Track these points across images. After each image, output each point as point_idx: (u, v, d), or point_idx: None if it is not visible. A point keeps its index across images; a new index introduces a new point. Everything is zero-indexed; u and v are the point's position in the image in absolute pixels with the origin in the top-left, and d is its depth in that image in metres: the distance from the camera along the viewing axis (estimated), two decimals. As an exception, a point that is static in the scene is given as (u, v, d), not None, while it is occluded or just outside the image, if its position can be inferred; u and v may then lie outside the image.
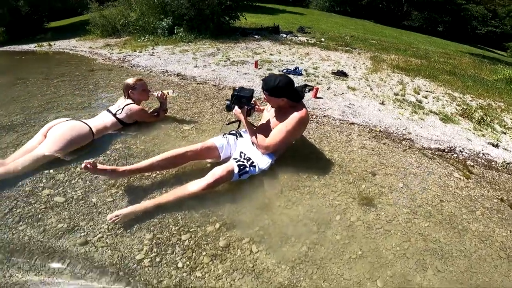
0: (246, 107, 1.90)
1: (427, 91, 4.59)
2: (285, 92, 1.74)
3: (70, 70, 4.88)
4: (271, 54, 6.12)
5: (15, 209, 1.54)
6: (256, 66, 4.78)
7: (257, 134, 1.81)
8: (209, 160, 1.94)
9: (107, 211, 1.57)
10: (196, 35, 8.02)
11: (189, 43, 7.48)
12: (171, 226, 1.53)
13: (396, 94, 4.17)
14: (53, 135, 1.82)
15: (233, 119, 2.12)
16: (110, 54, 6.87)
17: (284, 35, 8.69)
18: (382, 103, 3.66)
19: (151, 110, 2.53)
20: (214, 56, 5.62)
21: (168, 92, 2.42)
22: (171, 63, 5.06)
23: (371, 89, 4.33)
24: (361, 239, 1.53)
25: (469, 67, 8.09)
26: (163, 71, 4.50)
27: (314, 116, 2.94)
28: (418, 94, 4.35)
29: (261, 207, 1.66)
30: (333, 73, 5.07)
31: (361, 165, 2.14)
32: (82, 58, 6.98)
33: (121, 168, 1.66)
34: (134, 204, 1.56)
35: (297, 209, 1.66)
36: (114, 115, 2.21)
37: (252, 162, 1.74)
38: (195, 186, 1.58)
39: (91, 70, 4.74)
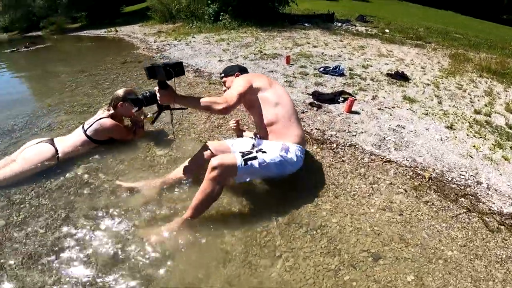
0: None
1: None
2: (238, 69, 1.85)
3: (106, 61, 4.99)
4: (314, 46, 5.22)
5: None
6: (287, 62, 4.04)
7: (204, 98, 1.44)
8: None
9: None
10: (241, 22, 7.53)
11: (231, 31, 7.06)
12: None
13: (477, 112, 2.95)
14: (20, 158, 1.81)
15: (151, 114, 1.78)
16: (154, 42, 6.97)
17: (339, 24, 7.49)
18: (450, 127, 2.57)
19: (129, 124, 2.19)
20: (248, 48, 5.05)
21: (148, 114, 2.15)
22: (199, 55, 4.71)
23: (439, 103, 3.17)
24: None
25: None
26: (185, 65, 4.16)
27: (335, 145, 2.14)
28: (515, 114, 3.01)
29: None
30: (388, 74, 3.96)
31: (365, 241, 1.37)
32: (130, 46, 7.26)
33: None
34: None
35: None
36: (85, 131, 1.95)
37: (261, 149, 1.47)
38: (199, 194, 1.37)
39: (123, 63, 4.74)
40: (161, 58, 4.89)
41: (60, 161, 1.86)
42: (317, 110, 2.67)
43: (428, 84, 3.79)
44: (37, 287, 1.15)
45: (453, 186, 1.80)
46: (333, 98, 2.88)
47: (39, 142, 1.89)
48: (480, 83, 4.04)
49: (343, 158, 1.97)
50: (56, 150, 1.85)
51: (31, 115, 2.75)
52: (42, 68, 5.29)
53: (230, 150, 1.65)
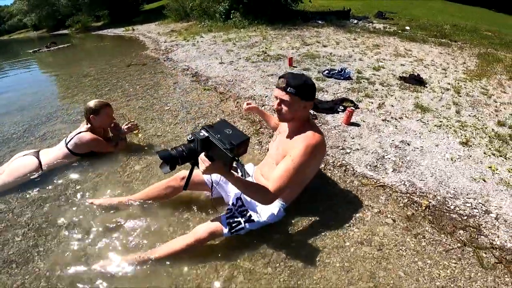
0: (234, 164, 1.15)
1: None
2: (314, 95, 1.28)
3: (113, 64, 5.05)
4: (323, 46, 4.92)
5: None
6: (290, 64, 3.81)
7: (253, 188, 1.22)
8: (205, 192, 1.63)
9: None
10: (251, 20, 7.34)
11: (241, 30, 6.91)
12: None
13: (501, 124, 2.58)
14: (7, 169, 1.88)
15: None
16: (164, 42, 6.99)
17: (355, 21, 7.04)
18: (466, 143, 2.25)
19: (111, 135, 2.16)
20: (252, 48, 4.86)
21: (138, 131, 2.20)
22: (202, 57, 4.61)
23: (458, 112, 2.81)
24: None
25: None
26: (185, 68, 4.09)
27: (323, 165, 1.90)
28: (549, 126, 2.60)
29: None
30: (401, 78, 3.61)
31: (330, 278, 1.23)
32: (141, 46, 7.35)
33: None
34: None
35: None
36: (67, 145, 1.96)
37: (250, 216, 1.35)
38: (173, 245, 1.30)
39: (128, 65, 4.76)
40: (164, 60, 4.85)
41: (44, 173, 1.90)
42: (311, 121, 2.45)
43: (448, 89, 3.41)
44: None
45: (454, 216, 1.55)
46: (332, 107, 2.65)
47: (25, 155, 1.95)
48: (510, 87, 3.58)
49: (329, 181, 1.76)
50: (40, 163, 1.90)
51: (30, 123, 2.81)
52: (54, 71, 5.49)
53: (207, 186, 1.53)
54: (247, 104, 1.70)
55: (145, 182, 1.84)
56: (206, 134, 1.01)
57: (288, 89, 1.19)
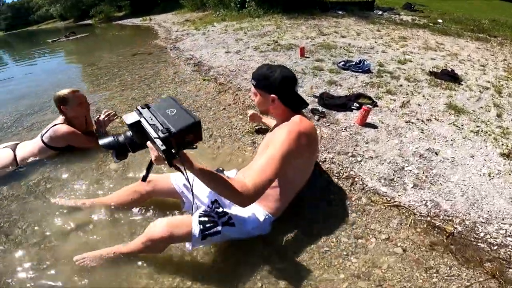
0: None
1: None
2: (278, 87, 1.10)
3: (120, 53, 4.94)
4: (342, 37, 4.45)
5: None
6: (302, 55, 3.42)
7: (223, 180, 0.89)
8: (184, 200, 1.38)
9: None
10: (267, 9, 6.97)
11: (255, 19, 6.56)
12: None
13: (556, 134, 2.08)
14: None
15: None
16: (176, 31, 6.81)
17: (380, 12, 6.43)
18: (507, 155, 1.80)
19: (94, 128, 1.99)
20: (263, 37, 4.51)
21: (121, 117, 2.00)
22: (209, 46, 4.34)
23: (499, 115, 2.33)
24: None
25: None
26: (189, 58, 3.84)
27: (326, 176, 1.55)
28: None
29: None
30: (432, 73, 3.12)
31: None
32: (153, 35, 7.24)
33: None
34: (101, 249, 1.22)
35: None
36: (42, 137, 1.83)
37: (230, 219, 1.11)
38: (129, 245, 1.13)
39: (134, 54, 4.62)
40: (171, 49, 4.64)
41: (18, 167, 1.80)
42: (318, 120, 2.09)
43: (487, 88, 2.89)
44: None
45: (482, 245, 1.19)
46: (345, 103, 2.26)
47: (5, 147, 1.86)
48: None
49: (330, 196, 1.42)
50: (15, 156, 1.80)
51: (23, 113, 2.74)
52: (64, 60, 5.49)
53: (175, 190, 1.31)
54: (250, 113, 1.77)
55: (118, 183, 1.64)
56: (137, 118, 0.76)
57: (251, 80, 1.17)
